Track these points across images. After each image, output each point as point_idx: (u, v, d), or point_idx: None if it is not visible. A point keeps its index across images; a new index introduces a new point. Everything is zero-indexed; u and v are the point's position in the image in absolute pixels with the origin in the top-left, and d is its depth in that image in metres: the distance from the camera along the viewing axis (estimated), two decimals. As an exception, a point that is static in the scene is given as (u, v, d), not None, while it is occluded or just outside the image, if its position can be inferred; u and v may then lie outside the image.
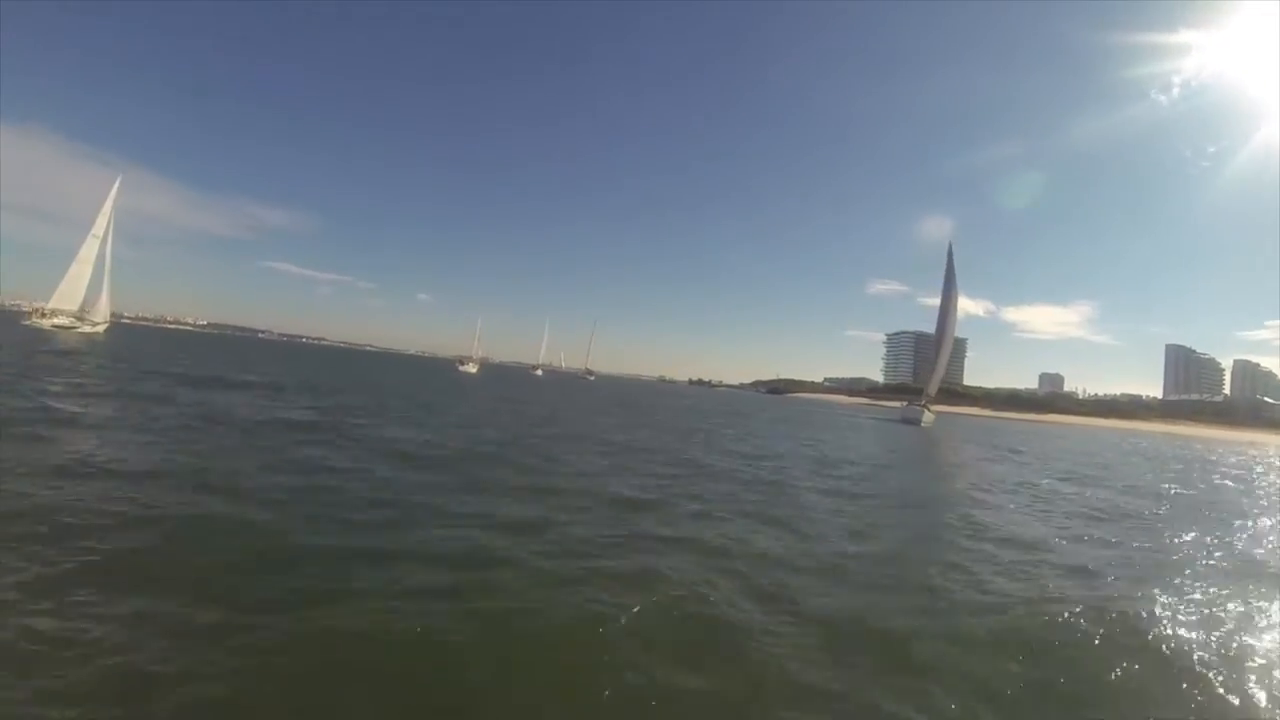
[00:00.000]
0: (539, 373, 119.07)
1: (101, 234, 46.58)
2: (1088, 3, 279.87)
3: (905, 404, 65.28)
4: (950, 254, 60.18)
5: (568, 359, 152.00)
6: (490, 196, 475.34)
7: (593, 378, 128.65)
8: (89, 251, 46.22)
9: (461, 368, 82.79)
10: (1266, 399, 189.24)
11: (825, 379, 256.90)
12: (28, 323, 45.81)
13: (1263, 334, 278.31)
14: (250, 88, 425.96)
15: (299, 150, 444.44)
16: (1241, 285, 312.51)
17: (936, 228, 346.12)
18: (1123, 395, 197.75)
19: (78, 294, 46.49)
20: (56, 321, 45.25)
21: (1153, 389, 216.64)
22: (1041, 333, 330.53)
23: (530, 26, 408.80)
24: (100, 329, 48.11)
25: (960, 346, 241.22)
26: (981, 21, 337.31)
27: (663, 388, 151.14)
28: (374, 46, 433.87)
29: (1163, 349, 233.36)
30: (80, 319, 46.91)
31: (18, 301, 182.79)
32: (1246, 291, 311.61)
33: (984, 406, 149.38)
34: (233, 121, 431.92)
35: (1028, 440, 41.73)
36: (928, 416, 54.05)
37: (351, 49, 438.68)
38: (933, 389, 62.03)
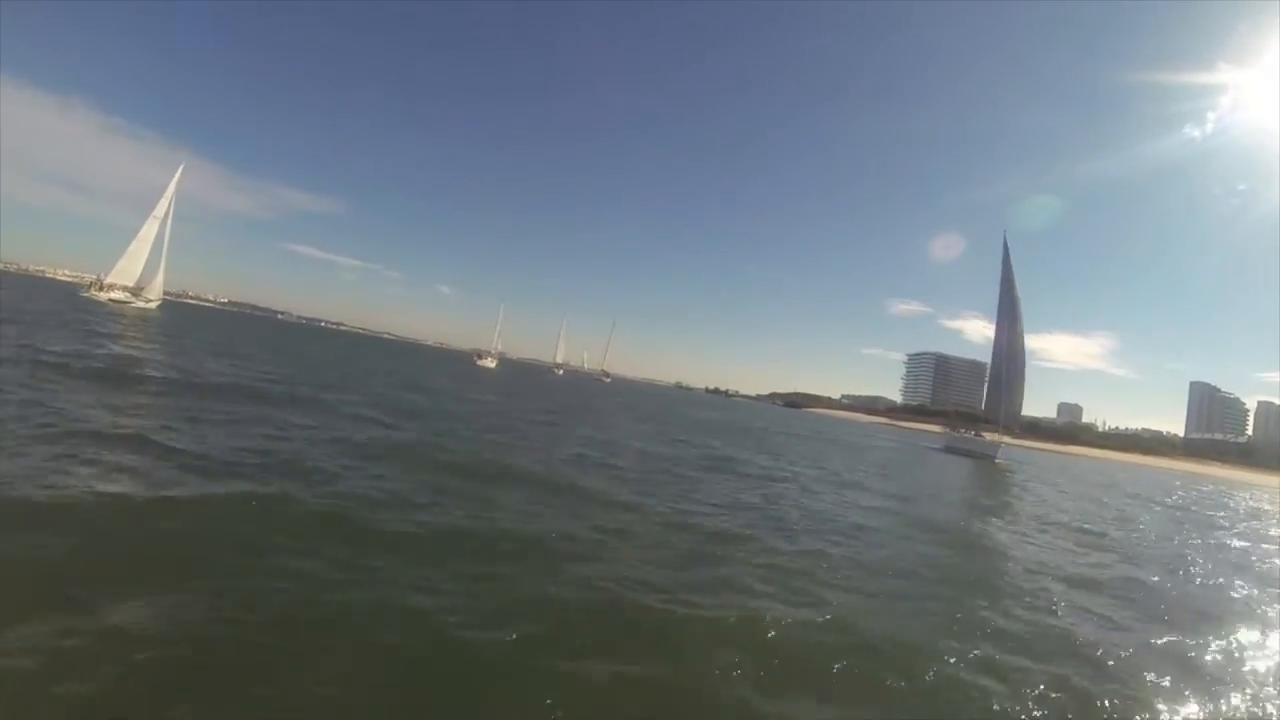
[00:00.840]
0: (560, 372, 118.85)
1: (162, 216, 49.56)
2: (1126, 39, 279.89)
3: (948, 430, 56.90)
4: (1006, 251, 50.67)
5: (585, 359, 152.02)
6: (516, 197, 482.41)
7: (609, 380, 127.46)
8: (149, 231, 49.20)
9: (479, 362, 79.75)
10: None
11: (842, 395, 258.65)
12: (86, 294, 48.70)
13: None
14: (285, 72, 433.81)
15: (329, 135, 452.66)
16: (1263, 326, 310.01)
17: (961, 251, 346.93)
18: (1144, 430, 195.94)
19: (135, 270, 49.42)
20: (113, 295, 48.08)
21: (1171, 424, 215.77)
22: (1061, 362, 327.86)
23: (559, 36, 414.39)
24: (153, 305, 51.04)
25: (981, 370, 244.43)
26: (1015, 52, 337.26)
27: (681, 395, 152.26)
28: (409, 41, 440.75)
29: (1183, 385, 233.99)
30: (135, 294, 49.77)
31: (41, 268, 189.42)
32: (1268, 332, 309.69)
33: (1002, 432, 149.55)
34: (264, 102, 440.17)
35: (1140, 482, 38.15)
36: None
37: (386, 43, 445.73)
38: (1009, 417, 49.30)
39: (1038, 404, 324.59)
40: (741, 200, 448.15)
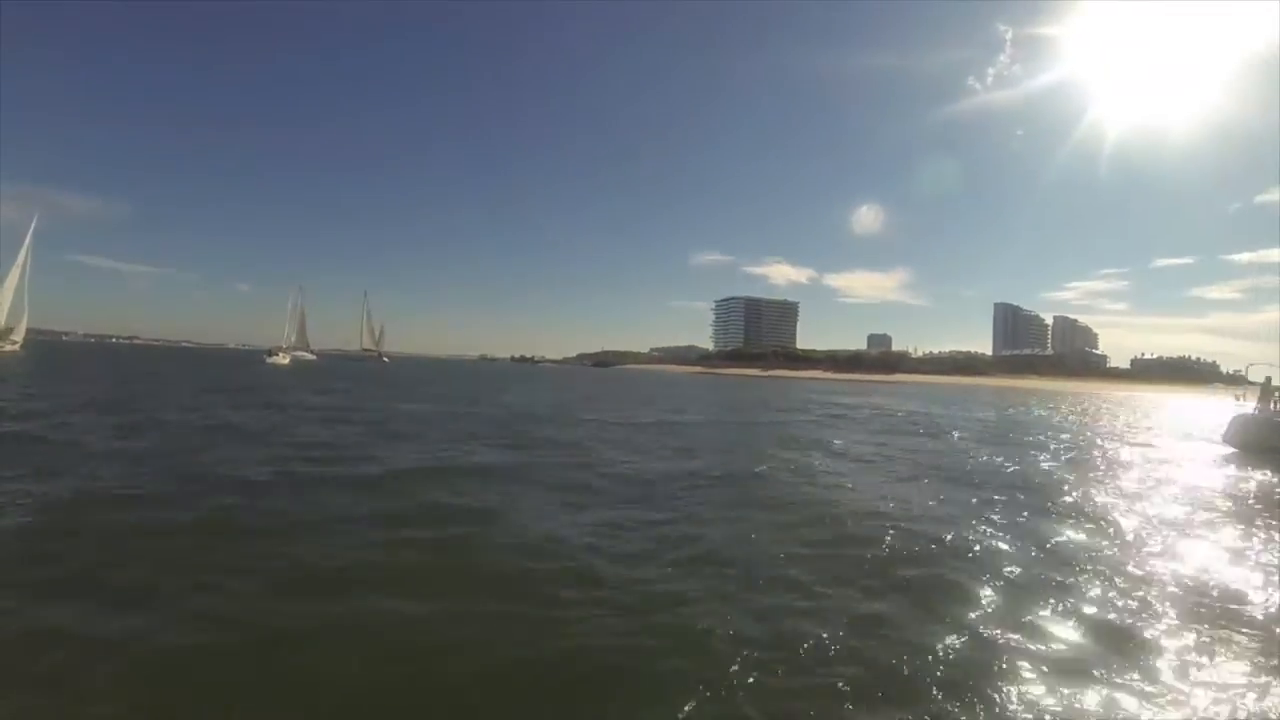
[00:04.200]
0: (312, 356, 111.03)
1: (22, 263, 59.72)
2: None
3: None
4: None
5: (375, 341, 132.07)
6: (302, 177, 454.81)
7: (387, 361, 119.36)
8: (13, 280, 59.27)
9: (270, 359, 79.13)
10: (1092, 351, 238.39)
11: (651, 349, 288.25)
12: None
13: (1064, 294, 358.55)
14: (44, 62, 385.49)
15: (101, 129, 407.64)
16: (1044, 252, 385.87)
17: (757, 198, 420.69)
18: (955, 352, 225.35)
19: (1, 318, 59.53)
20: (-12, 344, 57.88)
21: (971, 344, 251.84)
22: (863, 297, 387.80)
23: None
24: (18, 346, 60.83)
25: (793, 310, 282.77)
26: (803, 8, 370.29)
27: (486, 367, 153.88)
28: (175, 25, 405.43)
29: (975, 309, 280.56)
30: (3, 339, 59.64)
31: None
32: (1048, 258, 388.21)
33: (827, 369, 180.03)
34: (21, 96, 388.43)
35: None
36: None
37: (152, 28, 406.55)
38: None
39: (847, 338, 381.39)
40: (537, 162, 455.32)
